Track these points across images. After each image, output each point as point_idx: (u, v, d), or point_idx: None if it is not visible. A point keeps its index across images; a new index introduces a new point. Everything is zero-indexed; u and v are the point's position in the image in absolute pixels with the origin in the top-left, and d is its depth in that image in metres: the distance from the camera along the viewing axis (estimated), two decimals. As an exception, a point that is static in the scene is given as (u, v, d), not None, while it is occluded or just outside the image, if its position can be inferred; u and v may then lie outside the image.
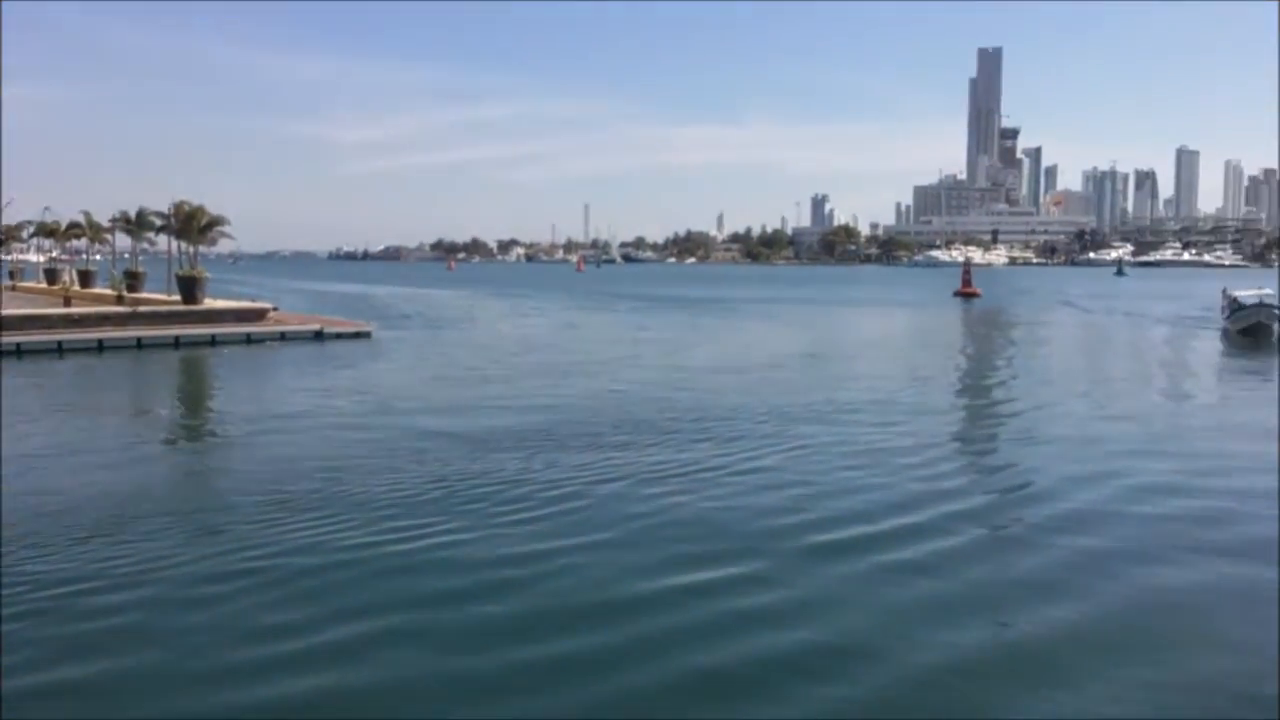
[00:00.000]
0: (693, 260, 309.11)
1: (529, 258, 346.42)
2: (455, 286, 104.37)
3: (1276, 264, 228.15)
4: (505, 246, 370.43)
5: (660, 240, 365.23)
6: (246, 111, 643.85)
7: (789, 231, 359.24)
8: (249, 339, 36.71)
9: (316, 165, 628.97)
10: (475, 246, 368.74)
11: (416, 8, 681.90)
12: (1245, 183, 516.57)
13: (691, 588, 9.99)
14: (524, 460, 15.76)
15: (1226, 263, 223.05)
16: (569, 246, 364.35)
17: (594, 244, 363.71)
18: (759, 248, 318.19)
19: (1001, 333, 48.34)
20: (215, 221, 43.33)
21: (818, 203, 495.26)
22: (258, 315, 40.30)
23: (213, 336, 36.01)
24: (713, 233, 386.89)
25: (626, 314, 60.41)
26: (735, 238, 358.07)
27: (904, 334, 48.37)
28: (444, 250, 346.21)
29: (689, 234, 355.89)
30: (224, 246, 56.75)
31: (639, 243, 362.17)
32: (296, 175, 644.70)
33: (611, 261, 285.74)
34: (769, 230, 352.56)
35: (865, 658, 8.35)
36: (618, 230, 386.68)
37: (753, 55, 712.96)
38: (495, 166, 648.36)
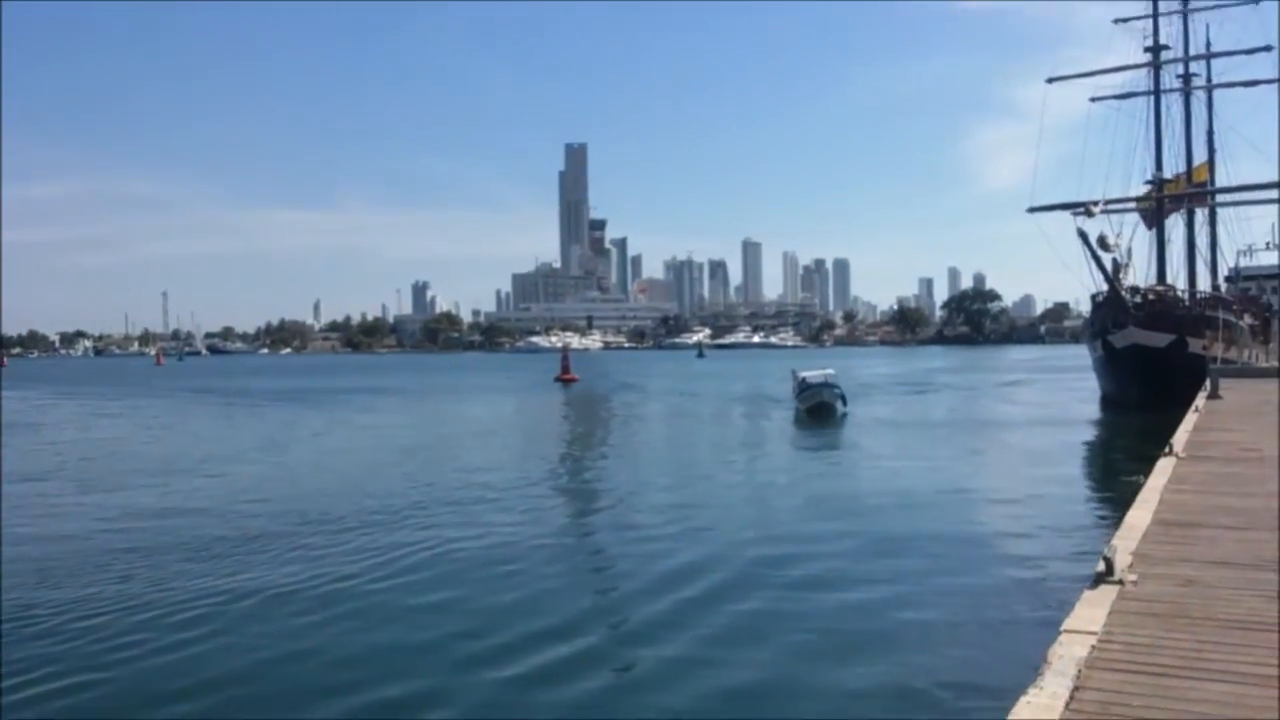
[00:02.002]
0: (288, 350, 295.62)
1: (99, 351, 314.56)
2: (9, 385, 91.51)
3: (829, 343, 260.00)
4: (70, 339, 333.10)
5: (252, 330, 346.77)
6: None
7: (391, 319, 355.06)
8: None
9: None
10: (33, 339, 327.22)
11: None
12: (800, 271, 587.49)
13: None
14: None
15: (790, 343, 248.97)
16: (146, 338, 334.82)
17: (175, 335, 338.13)
18: (360, 336, 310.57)
19: (599, 418, 50.10)
20: None
21: (419, 290, 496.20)
22: None
23: None
24: (309, 321, 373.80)
25: (214, 409, 55.90)
26: (335, 326, 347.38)
27: (510, 422, 48.58)
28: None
29: (283, 323, 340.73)
30: None
31: (227, 333, 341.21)
32: None
33: (197, 353, 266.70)
34: (370, 318, 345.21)
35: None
36: (202, 320, 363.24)
37: (342, 138, 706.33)
38: (52, 250, 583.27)
